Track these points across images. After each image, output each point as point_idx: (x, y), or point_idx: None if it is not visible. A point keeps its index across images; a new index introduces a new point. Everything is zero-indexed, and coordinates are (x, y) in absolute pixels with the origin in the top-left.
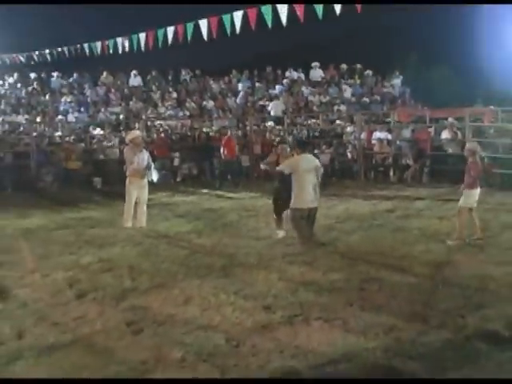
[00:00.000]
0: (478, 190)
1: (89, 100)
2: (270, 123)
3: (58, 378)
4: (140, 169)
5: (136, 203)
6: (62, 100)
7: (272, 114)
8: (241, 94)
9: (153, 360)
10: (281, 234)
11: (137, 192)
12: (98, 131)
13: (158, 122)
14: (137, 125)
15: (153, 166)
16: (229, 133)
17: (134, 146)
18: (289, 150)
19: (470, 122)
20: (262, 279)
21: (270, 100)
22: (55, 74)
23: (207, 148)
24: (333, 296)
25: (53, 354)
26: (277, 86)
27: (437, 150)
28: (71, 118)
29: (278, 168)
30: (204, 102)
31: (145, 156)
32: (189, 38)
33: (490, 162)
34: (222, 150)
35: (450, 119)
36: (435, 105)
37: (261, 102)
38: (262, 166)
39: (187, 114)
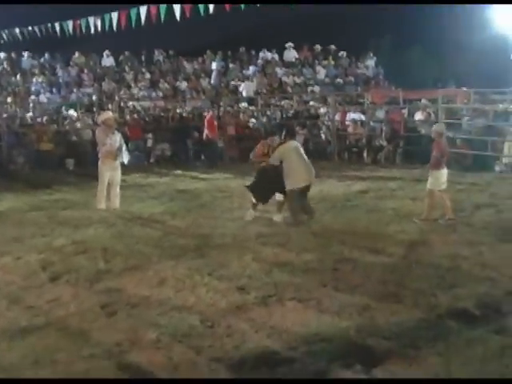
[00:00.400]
0: (444, 171)
1: (61, 80)
2: (244, 104)
3: (59, 378)
4: (112, 150)
5: (109, 185)
6: (34, 80)
7: (244, 94)
8: (214, 73)
9: (127, 342)
10: (252, 215)
11: (109, 174)
12: (70, 112)
13: (132, 102)
14: (110, 106)
15: (125, 147)
16: (211, 113)
17: (106, 128)
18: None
19: (442, 103)
20: (237, 260)
21: (243, 81)
22: (26, 53)
23: (181, 129)
24: (307, 276)
25: (26, 338)
26: (250, 67)
27: (410, 131)
28: (43, 98)
29: (270, 161)
30: (178, 83)
31: (117, 137)
32: (162, 18)
33: (462, 144)
34: (205, 130)
35: (424, 100)
36: (408, 86)
37: (233, 83)
38: (252, 159)
39: (160, 94)
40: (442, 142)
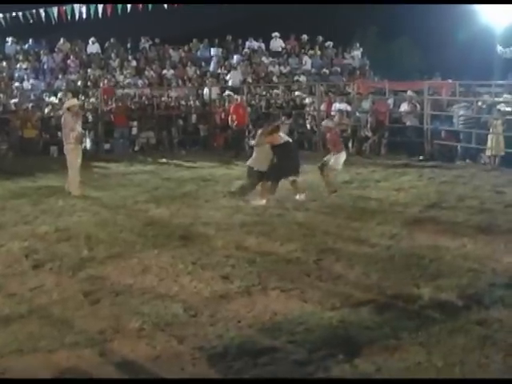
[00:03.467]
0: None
1: (45, 67)
2: (229, 93)
3: (59, 378)
4: (79, 136)
5: None
6: (18, 66)
7: (230, 83)
8: (213, 60)
9: (111, 330)
10: (263, 201)
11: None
12: (55, 98)
13: (117, 90)
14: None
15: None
16: (239, 99)
17: (73, 114)
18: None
19: (428, 95)
20: (220, 249)
21: (229, 70)
22: (10, 39)
23: (166, 117)
24: (290, 266)
25: (9, 326)
26: (235, 56)
27: (395, 122)
28: (27, 85)
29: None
30: (164, 71)
31: (80, 122)
32: (149, 5)
33: (447, 136)
34: (230, 118)
35: (409, 92)
36: (394, 77)
37: (215, 70)
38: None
39: (146, 82)
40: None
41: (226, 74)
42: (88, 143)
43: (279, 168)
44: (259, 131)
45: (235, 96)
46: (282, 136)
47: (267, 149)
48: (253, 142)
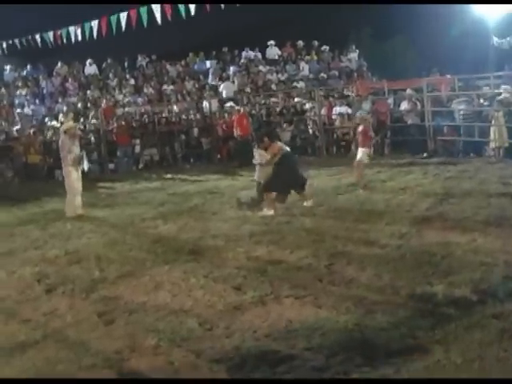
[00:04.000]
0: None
1: (45, 91)
2: (231, 104)
3: (59, 378)
4: (77, 158)
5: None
6: (17, 93)
7: (224, 95)
8: (211, 72)
9: (127, 349)
10: (271, 212)
11: (78, 182)
12: (56, 122)
13: (118, 109)
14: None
15: (84, 154)
16: (241, 110)
17: (70, 136)
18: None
19: (427, 91)
20: (231, 260)
21: (223, 81)
22: (8, 66)
23: (168, 133)
24: (302, 273)
25: (25, 352)
26: (231, 67)
27: (397, 121)
28: (28, 110)
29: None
30: (164, 86)
31: (77, 144)
32: (144, 23)
33: (450, 131)
34: (235, 129)
35: (409, 90)
36: (392, 76)
37: (213, 83)
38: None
39: (145, 99)
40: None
41: (220, 86)
42: (86, 165)
43: (284, 178)
44: (256, 150)
45: (236, 107)
46: (281, 145)
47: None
48: (257, 161)
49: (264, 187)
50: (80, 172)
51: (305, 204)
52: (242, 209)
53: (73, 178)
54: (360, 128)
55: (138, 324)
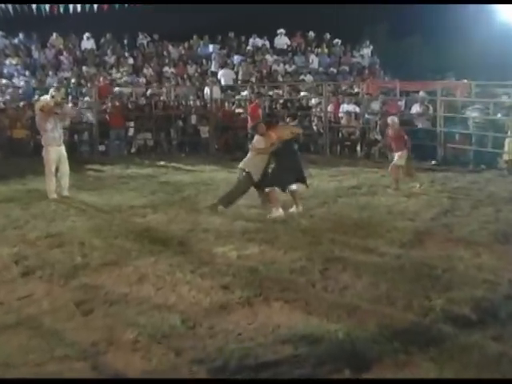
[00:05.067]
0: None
1: (36, 63)
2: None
3: (59, 378)
4: (55, 137)
5: (57, 175)
6: (7, 62)
7: (222, 82)
8: (214, 57)
9: (104, 342)
10: (280, 211)
11: (56, 163)
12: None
13: (114, 89)
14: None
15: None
16: (256, 100)
17: (44, 114)
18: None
19: (441, 95)
20: (220, 257)
21: (222, 67)
22: None
23: (165, 118)
24: (294, 276)
25: None
26: (235, 56)
27: (406, 124)
28: (17, 82)
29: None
30: (166, 68)
31: (57, 122)
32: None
33: (461, 139)
34: (250, 119)
35: (422, 93)
36: (406, 77)
37: (212, 69)
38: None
39: (144, 81)
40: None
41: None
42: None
43: (284, 169)
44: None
45: (248, 95)
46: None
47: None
48: (252, 146)
49: (265, 184)
50: (65, 154)
51: (291, 210)
52: (215, 210)
53: (50, 158)
54: (390, 132)
55: (117, 316)
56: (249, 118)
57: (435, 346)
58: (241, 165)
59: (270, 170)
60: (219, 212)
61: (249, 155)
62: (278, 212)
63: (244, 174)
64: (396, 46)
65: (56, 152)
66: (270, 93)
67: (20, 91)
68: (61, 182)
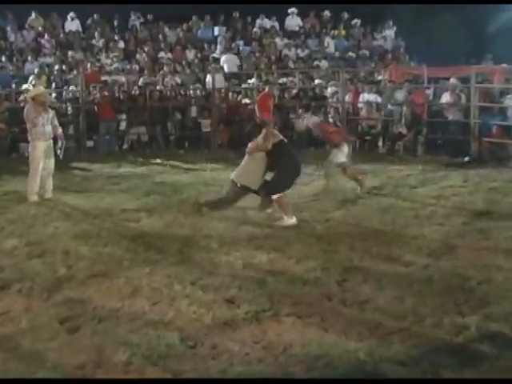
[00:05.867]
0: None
1: (13, 47)
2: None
3: (59, 378)
4: (46, 131)
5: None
6: None
7: (225, 70)
8: (219, 41)
9: (92, 364)
10: (293, 219)
11: (43, 160)
12: (24, 86)
13: (103, 76)
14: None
15: (60, 132)
16: (266, 89)
17: (36, 105)
18: None
19: (476, 82)
20: (224, 267)
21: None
22: None
23: (161, 110)
24: (308, 288)
25: None
26: (239, 42)
27: (435, 115)
28: None
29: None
30: (161, 54)
31: (50, 116)
32: None
33: (500, 132)
34: (258, 110)
35: (453, 79)
36: (435, 62)
37: (214, 55)
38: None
39: (137, 68)
40: None
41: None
42: (61, 154)
43: (287, 169)
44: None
45: (256, 84)
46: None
47: (260, 157)
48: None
49: (271, 190)
50: (52, 149)
51: (278, 223)
52: (199, 212)
53: (37, 155)
54: None
55: (107, 335)
56: (256, 110)
57: (470, 368)
58: (232, 176)
59: (273, 175)
60: (203, 214)
61: (243, 162)
62: (292, 220)
63: (236, 188)
64: (423, 26)
65: (44, 149)
66: (280, 81)
67: None
68: (45, 182)
